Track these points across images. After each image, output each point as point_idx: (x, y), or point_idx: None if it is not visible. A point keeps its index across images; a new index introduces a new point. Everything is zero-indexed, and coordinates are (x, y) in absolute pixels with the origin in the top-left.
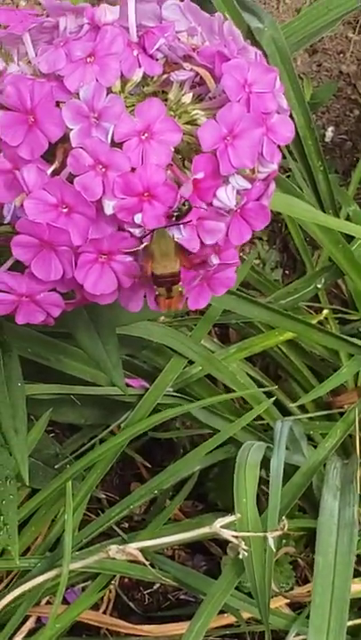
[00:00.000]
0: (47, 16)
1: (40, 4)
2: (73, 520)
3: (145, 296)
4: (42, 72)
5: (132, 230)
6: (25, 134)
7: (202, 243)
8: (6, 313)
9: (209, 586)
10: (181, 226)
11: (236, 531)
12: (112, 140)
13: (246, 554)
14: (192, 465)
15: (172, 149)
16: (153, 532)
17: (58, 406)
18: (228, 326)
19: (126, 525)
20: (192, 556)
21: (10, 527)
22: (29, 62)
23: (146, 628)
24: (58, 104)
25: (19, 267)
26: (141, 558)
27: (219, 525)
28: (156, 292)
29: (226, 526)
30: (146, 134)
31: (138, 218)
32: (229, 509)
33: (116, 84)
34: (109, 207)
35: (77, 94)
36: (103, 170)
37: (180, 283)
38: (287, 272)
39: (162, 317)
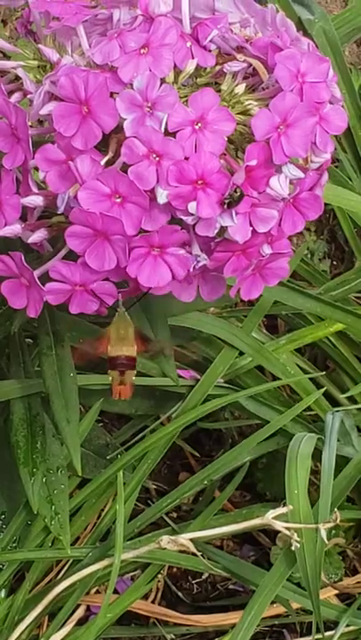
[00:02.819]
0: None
1: None
2: (124, 510)
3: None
4: (96, 63)
5: (185, 219)
6: (79, 125)
7: (254, 231)
8: (60, 302)
9: (260, 577)
10: (233, 213)
11: (287, 522)
12: (166, 129)
13: (298, 545)
14: (242, 456)
15: (226, 139)
16: (203, 522)
17: (108, 396)
18: (276, 317)
19: (174, 515)
20: (240, 546)
21: (61, 517)
22: (83, 54)
23: (195, 617)
24: (111, 95)
25: (72, 256)
26: (193, 549)
27: (271, 517)
28: (110, 378)
29: (277, 517)
30: (199, 124)
31: (192, 206)
32: (278, 499)
33: (170, 75)
34: (163, 196)
35: (131, 85)
36: (157, 159)
37: (134, 370)
38: (335, 262)
39: (211, 308)
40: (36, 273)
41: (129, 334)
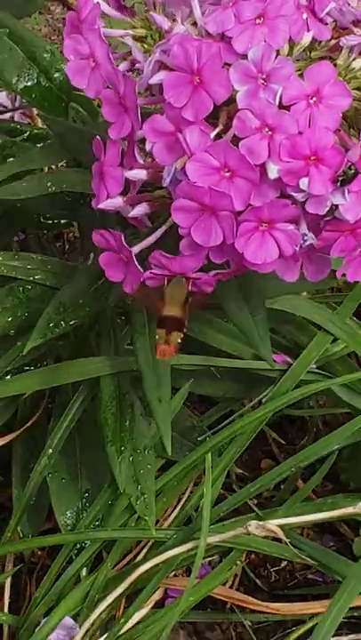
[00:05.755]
0: None
1: None
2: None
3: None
4: (208, 33)
5: (295, 195)
6: (190, 95)
7: None
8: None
9: (346, 566)
10: (346, 191)
11: None
12: (279, 102)
13: None
14: (331, 445)
15: (340, 114)
16: (289, 510)
17: (197, 378)
18: None
19: (255, 502)
20: (320, 536)
21: (147, 497)
22: (194, 24)
23: (274, 605)
24: (224, 66)
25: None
26: (282, 535)
27: None
28: (157, 336)
29: None
30: (314, 98)
31: (303, 182)
32: None
33: (284, 47)
34: (274, 171)
35: (245, 56)
36: (270, 133)
37: (181, 333)
38: None
39: (303, 293)
40: (135, 249)
41: (181, 298)
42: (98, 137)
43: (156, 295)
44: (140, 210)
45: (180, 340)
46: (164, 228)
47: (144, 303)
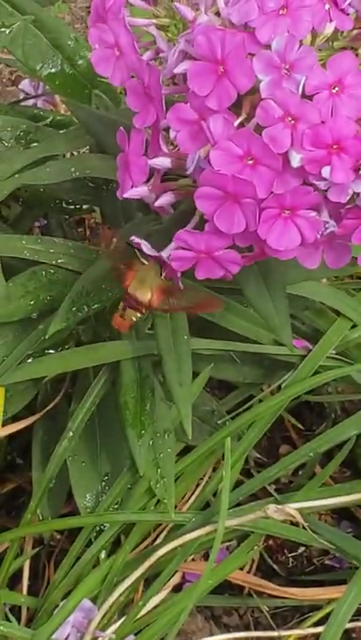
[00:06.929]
0: None
1: None
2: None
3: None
4: (232, 23)
5: (317, 184)
6: (214, 84)
7: None
8: (186, 269)
9: None
10: None
11: None
12: (302, 92)
13: None
14: (349, 430)
15: None
16: (306, 495)
17: (217, 363)
18: None
19: (273, 487)
20: (338, 523)
21: (167, 480)
22: (217, 14)
23: (292, 590)
24: (248, 55)
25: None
26: (300, 519)
27: None
28: (119, 306)
29: None
30: (337, 87)
31: (325, 171)
32: None
33: (307, 37)
34: (296, 160)
35: (268, 46)
36: (292, 122)
37: (139, 314)
38: None
39: (324, 279)
40: (163, 254)
41: (151, 282)
42: (122, 128)
43: (128, 270)
44: (166, 199)
45: (134, 319)
46: (194, 220)
47: (116, 273)
